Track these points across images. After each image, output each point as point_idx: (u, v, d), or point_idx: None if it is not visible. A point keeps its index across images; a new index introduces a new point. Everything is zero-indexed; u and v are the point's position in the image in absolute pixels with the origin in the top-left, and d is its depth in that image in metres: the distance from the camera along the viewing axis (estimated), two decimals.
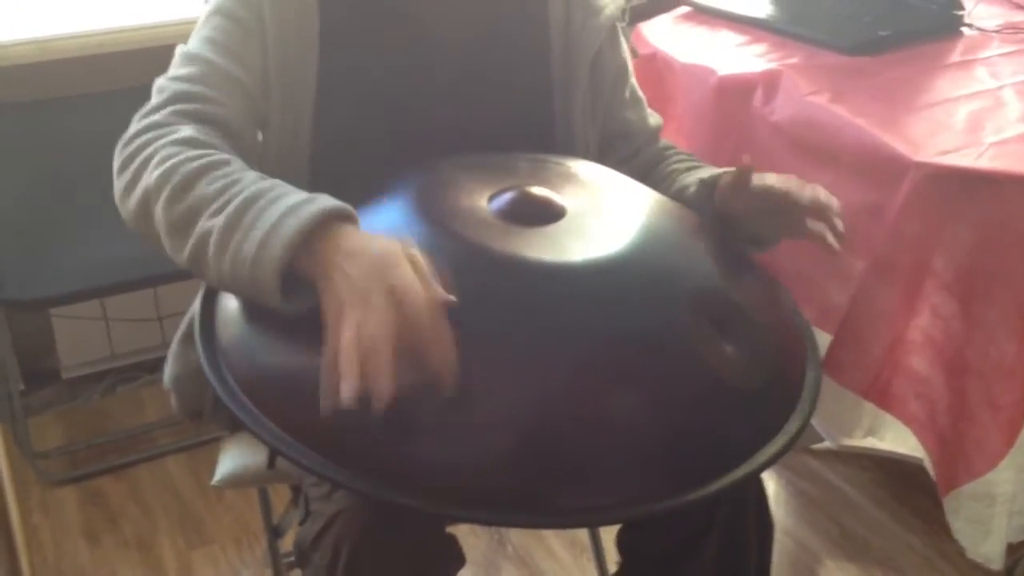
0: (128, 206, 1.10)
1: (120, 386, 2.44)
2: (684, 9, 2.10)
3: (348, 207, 1.00)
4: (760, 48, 1.86)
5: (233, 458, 1.43)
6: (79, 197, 2.01)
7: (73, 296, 2.03)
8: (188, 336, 1.34)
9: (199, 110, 1.16)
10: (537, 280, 1.02)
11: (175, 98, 1.16)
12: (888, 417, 1.57)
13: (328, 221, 0.97)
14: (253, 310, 1.07)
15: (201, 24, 1.24)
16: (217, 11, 1.23)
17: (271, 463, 1.34)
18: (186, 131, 1.11)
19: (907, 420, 1.54)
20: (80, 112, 2.20)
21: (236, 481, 1.42)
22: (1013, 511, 1.50)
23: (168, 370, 1.37)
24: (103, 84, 2.18)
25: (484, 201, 1.11)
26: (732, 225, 1.28)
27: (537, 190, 1.14)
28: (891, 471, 2.09)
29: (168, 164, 1.06)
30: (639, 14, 2.13)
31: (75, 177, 2.03)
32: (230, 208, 1.01)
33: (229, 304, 1.11)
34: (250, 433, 0.99)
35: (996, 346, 1.45)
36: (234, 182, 1.04)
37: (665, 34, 2.00)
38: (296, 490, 1.48)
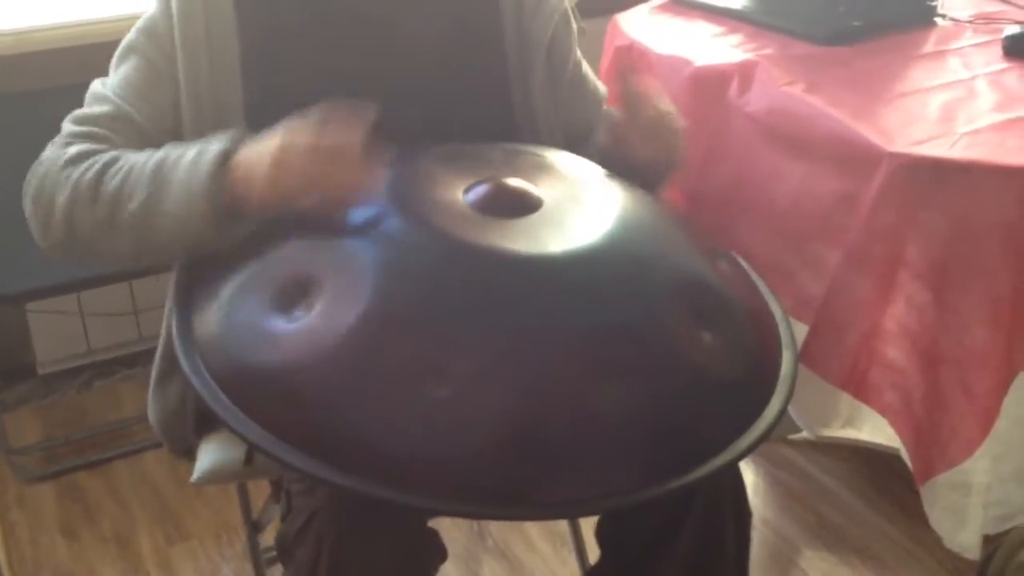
0: (49, 238, 1.17)
1: (97, 381, 2.42)
2: (660, 0, 2.10)
3: (237, 133, 1.11)
4: (736, 39, 1.86)
5: (212, 454, 1.42)
6: None
7: (48, 290, 2.02)
8: (162, 378, 1.36)
9: (89, 136, 1.22)
10: (515, 272, 1.02)
11: (68, 136, 1.22)
12: (865, 408, 1.58)
13: (226, 153, 1.09)
14: (230, 310, 1.06)
15: (118, 54, 1.29)
16: (131, 47, 1.28)
17: (249, 459, 1.34)
18: (72, 150, 1.18)
19: (883, 410, 1.55)
20: (56, 104, 2.14)
21: (215, 477, 1.42)
22: (989, 501, 1.52)
23: (151, 415, 1.39)
24: (79, 76, 2.15)
25: (459, 193, 1.11)
26: (626, 158, 1.29)
27: (513, 181, 1.13)
28: (869, 461, 2.10)
29: (70, 185, 1.15)
30: (615, 5, 2.13)
31: None
32: (141, 186, 1.11)
33: (205, 308, 1.11)
34: (233, 433, 0.99)
35: (970, 335, 1.46)
36: (131, 167, 1.13)
37: (641, 25, 2.00)
38: (275, 485, 1.48)
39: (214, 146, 1.10)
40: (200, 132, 1.22)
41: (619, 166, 1.27)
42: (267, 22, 1.27)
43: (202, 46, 1.24)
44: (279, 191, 1.07)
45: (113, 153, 1.17)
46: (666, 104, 1.29)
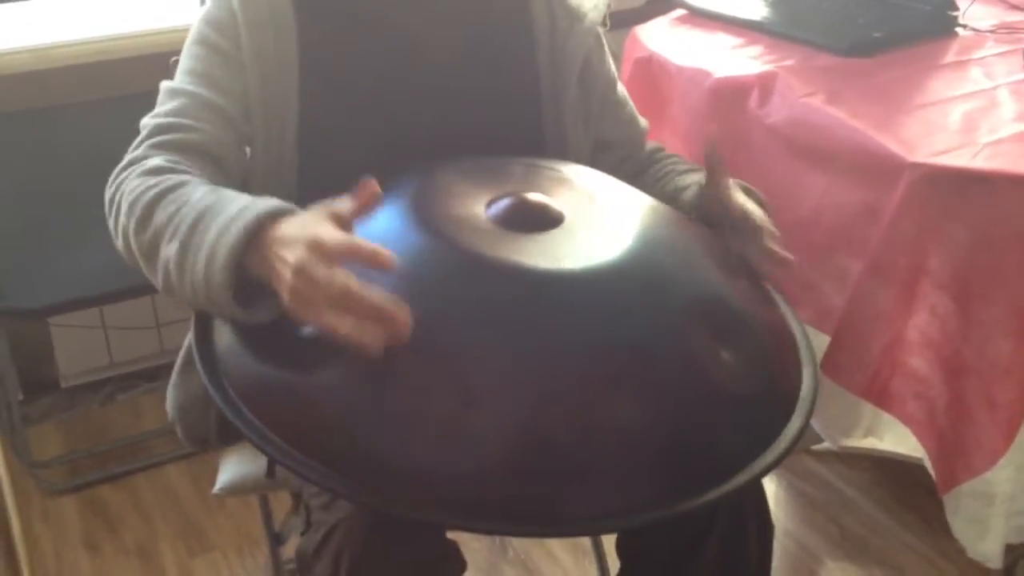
0: (117, 244, 1.16)
1: (119, 394, 2.44)
2: (680, 12, 2.10)
3: (281, 205, 1.03)
4: (755, 50, 1.86)
5: (233, 466, 1.43)
6: (77, 205, 2.00)
7: (71, 305, 2.03)
8: (187, 364, 1.35)
9: (176, 139, 1.20)
10: (536, 288, 1.02)
11: (153, 132, 1.21)
12: (887, 417, 1.57)
13: (259, 226, 1.00)
14: (249, 325, 1.07)
15: (183, 55, 1.28)
16: (196, 41, 1.28)
17: (270, 472, 1.34)
18: (154, 161, 1.16)
19: (906, 419, 1.54)
20: (78, 120, 2.20)
21: (237, 489, 1.42)
22: (1012, 511, 1.51)
23: (170, 400, 1.37)
24: (101, 92, 2.18)
25: (481, 207, 1.11)
26: (717, 227, 1.29)
27: (534, 196, 1.14)
28: (890, 471, 2.09)
29: (132, 197, 1.12)
30: (634, 17, 2.13)
31: (73, 185, 2.02)
32: (180, 232, 1.05)
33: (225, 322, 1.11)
34: (254, 446, 0.99)
35: (993, 345, 1.45)
36: (183, 204, 1.08)
37: (661, 37, 2.00)
38: (297, 497, 1.48)
39: (249, 213, 1.02)
40: (265, 123, 1.25)
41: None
42: (320, 21, 1.29)
43: (269, 32, 1.25)
44: (296, 316, 0.98)
45: (181, 178, 1.13)
46: (755, 198, 1.32)
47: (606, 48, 1.45)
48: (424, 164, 1.19)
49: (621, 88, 1.50)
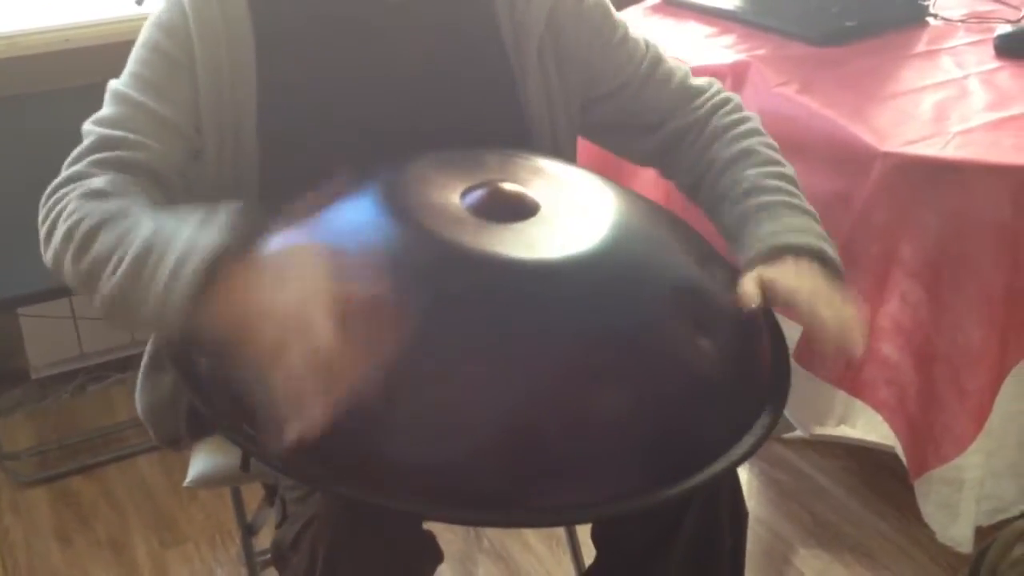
0: (46, 257, 1.11)
1: (90, 385, 2.42)
2: (653, 1, 2.10)
3: (217, 245, 0.98)
4: (728, 39, 1.87)
5: (205, 458, 1.42)
6: None
7: (41, 295, 2.02)
8: (152, 365, 1.34)
9: (119, 157, 1.15)
10: (513, 278, 1.02)
11: (97, 145, 1.17)
12: (859, 405, 1.58)
13: (204, 278, 0.97)
14: None
15: (132, 56, 1.23)
16: (144, 44, 1.23)
17: (244, 465, 1.34)
18: (97, 182, 1.12)
19: (878, 406, 1.55)
20: (48, 108, 2.18)
21: (209, 481, 1.42)
22: (982, 495, 1.52)
23: (139, 402, 1.36)
24: (71, 80, 2.16)
25: (456, 197, 1.11)
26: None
27: (509, 186, 1.13)
28: (862, 459, 2.10)
29: (71, 221, 1.08)
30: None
31: (43, 174, 1.99)
32: (124, 266, 1.01)
33: None
34: (230, 441, 0.99)
35: (963, 332, 1.47)
36: (124, 235, 1.04)
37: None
38: (269, 488, 1.48)
39: (189, 266, 0.98)
40: (219, 131, 1.22)
41: None
42: (278, 23, 1.26)
43: (222, 39, 1.21)
44: None
45: (121, 204, 1.09)
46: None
47: (597, 12, 1.35)
48: (396, 156, 1.18)
49: (621, 32, 1.38)
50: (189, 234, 1.00)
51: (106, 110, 1.20)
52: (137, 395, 1.36)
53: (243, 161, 1.24)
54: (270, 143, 1.24)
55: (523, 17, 1.31)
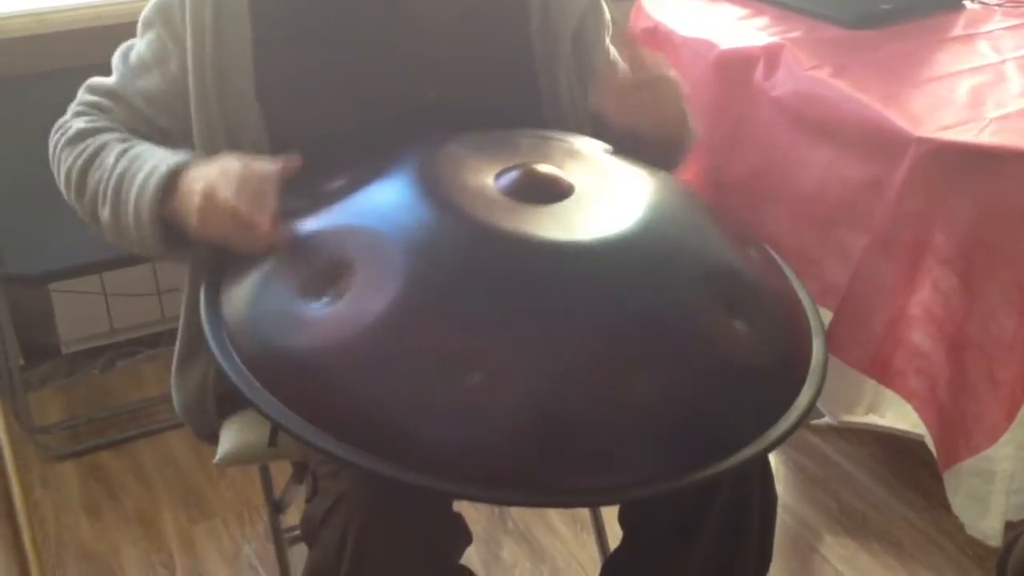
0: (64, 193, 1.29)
1: (120, 361, 2.43)
2: None
3: (186, 156, 1.17)
4: (761, 21, 1.85)
5: (235, 435, 1.42)
6: None
7: (72, 271, 2.03)
8: (183, 362, 1.38)
9: (96, 104, 1.30)
10: (546, 259, 1.02)
11: (81, 104, 1.31)
12: (889, 394, 1.57)
13: (171, 176, 1.15)
14: (259, 294, 1.07)
15: (138, 29, 1.33)
16: (146, 24, 1.32)
17: (273, 441, 1.34)
18: (74, 128, 1.26)
19: (908, 395, 1.54)
20: (78, 84, 2.18)
21: (238, 458, 1.42)
22: (1012, 489, 1.51)
23: (175, 399, 1.41)
24: (103, 56, 2.15)
25: (490, 179, 1.11)
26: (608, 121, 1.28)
27: (544, 167, 1.13)
28: (890, 447, 2.09)
29: (64, 170, 1.25)
30: None
31: None
32: (108, 198, 1.20)
33: (233, 291, 1.11)
34: (261, 415, 0.99)
35: (996, 321, 1.45)
36: (107, 167, 1.21)
37: (666, 7, 1.99)
38: (297, 466, 1.49)
39: (161, 168, 1.17)
40: (206, 118, 1.25)
41: (624, 139, 1.26)
42: (279, 6, 1.26)
43: (208, 34, 1.24)
44: (206, 235, 1.14)
45: (104, 139, 1.24)
46: (668, 70, 1.30)
47: (606, 19, 1.42)
48: (428, 136, 1.18)
49: (614, 55, 1.45)
50: (153, 162, 1.18)
51: (100, 78, 1.34)
52: (173, 394, 1.41)
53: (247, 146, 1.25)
54: (284, 121, 1.26)
55: (557, 14, 1.34)
